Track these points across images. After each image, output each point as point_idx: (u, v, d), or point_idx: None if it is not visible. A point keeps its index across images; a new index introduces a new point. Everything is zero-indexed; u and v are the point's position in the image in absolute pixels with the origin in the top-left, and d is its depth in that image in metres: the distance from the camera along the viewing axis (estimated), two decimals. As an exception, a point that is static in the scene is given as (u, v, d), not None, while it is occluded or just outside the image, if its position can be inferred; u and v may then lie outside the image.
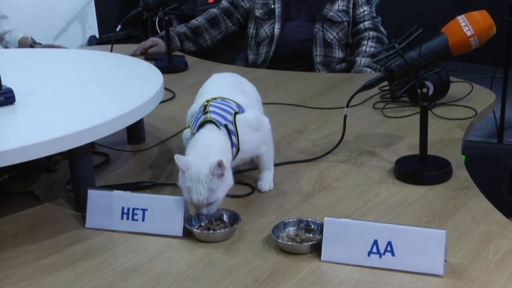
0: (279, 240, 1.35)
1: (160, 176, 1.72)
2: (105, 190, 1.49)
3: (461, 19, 1.53)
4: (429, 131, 1.61)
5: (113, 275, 1.29)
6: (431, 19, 2.85)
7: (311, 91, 2.35)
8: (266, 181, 1.60)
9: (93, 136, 1.48)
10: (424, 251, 1.24)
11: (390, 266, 1.26)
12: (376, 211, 1.48)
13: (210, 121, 1.47)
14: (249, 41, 2.92)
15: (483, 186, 1.57)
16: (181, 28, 2.96)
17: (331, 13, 2.75)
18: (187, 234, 1.41)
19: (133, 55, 2.77)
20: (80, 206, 1.53)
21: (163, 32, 2.80)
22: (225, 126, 1.47)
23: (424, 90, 1.56)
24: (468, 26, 1.52)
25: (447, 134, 1.88)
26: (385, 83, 1.65)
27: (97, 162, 1.80)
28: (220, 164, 1.36)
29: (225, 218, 1.44)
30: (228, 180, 1.40)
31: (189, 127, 1.54)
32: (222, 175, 1.38)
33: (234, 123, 1.49)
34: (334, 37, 2.75)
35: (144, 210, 1.44)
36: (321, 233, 1.32)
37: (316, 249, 1.32)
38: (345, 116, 1.68)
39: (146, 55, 2.84)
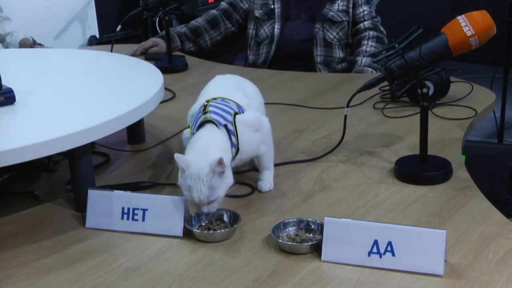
0: (279, 240, 1.35)
1: (160, 176, 1.72)
2: (105, 190, 1.49)
3: (461, 19, 1.53)
4: (429, 131, 1.61)
5: (113, 275, 1.29)
6: (431, 19, 2.84)
7: (311, 91, 2.35)
8: (266, 181, 1.60)
9: (93, 136, 1.48)
10: (424, 251, 1.24)
11: (390, 266, 1.26)
12: (376, 211, 1.48)
13: (209, 121, 1.47)
14: (248, 42, 2.92)
15: (483, 186, 1.57)
16: (181, 29, 2.96)
17: (331, 13, 2.75)
18: (187, 234, 1.41)
19: (133, 55, 2.77)
20: (80, 206, 1.53)
21: (163, 32, 2.80)
22: (225, 126, 1.48)
23: (424, 90, 1.56)
24: (468, 26, 1.52)
25: (447, 134, 1.88)
26: (385, 83, 1.65)
27: (97, 162, 1.80)
28: (220, 162, 1.36)
29: (225, 218, 1.44)
30: (228, 178, 1.40)
31: (189, 127, 1.54)
32: (222, 173, 1.38)
33: (234, 123, 1.49)
34: (335, 37, 2.76)
35: (144, 210, 1.44)
36: (321, 233, 1.32)
37: (316, 249, 1.32)
38: (345, 116, 1.68)
39: (146, 55, 2.84)
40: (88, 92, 1.76)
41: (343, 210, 1.49)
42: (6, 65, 1.96)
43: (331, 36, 2.75)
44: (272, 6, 2.82)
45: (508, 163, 2.38)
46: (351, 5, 2.77)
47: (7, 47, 3.29)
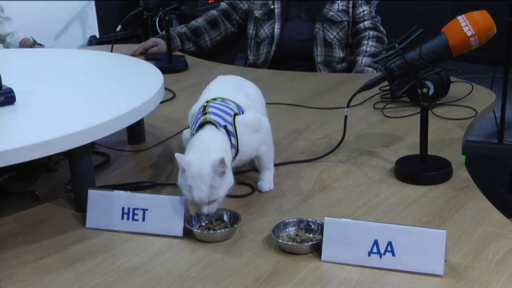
0: (280, 240, 1.35)
1: (160, 176, 1.72)
2: (105, 190, 1.49)
3: (461, 19, 1.53)
4: (429, 131, 1.61)
5: (113, 275, 1.29)
6: (431, 19, 2.85)
7: (311, 91, 2.35)
8: (266, 181, 1.60)
9: (93, 136, 1.48)
10: (424, 251, 1.24)
11: (390, 266, 1.26)
12: (376, 211, 1.48)
13: (209, 122, 1.47)
14: (248, 42, 2.92)
15: (483, 186, 1.57)
16: (182, 29, 2.96)
17: (331, 13, 2.75)
18: (187, 234, 1.41)
19: (133, 55, 2.77)
20: (80, 206, 1.53)
21: (163, 32, 2.80)
22: (225, 127, 1.47)
23: (424, 90, 1.56)
24: (468, 26, 1.52)
25: (447, 134, 1.88)
26: (386, 83, 1.65)
27: (97, 162, 1.80)
28: (222, 162, 1.36)
29: (225, 218, 1.44)
30: (229, 178, 1.40)
31: (189, 127, 1.54)
32: (223, 173, 1.38)
33: (234, 124, 1.49)
34: (335, 37, 2.76)
35: (144, 210, 1.44)
36: (321, 233, 1.32)
37: (316, 249, 1.32)
38: (346, 117, 1.68)
39: (147, 55, 2.84)
40: (88, 92, 1.76)
41: (343, 210, 1.49)
42: (6, 65, 1.96)
43: (331, 36, 2.75)
44: (272, 6, 2.82)
45: (508, 163, 2.38)
46: (351, 5, 2.78)
47: (7, 47, 3.30)
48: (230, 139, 1.47)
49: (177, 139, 1.88)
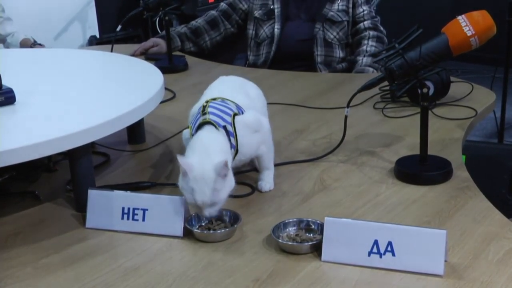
0: (280, 240, 1.35)
1: (160, 176, 1.72)
2: (105, 190, 1.49)
3: (462, 19, 1.53)
4: (429, 131, 1.61)
5: (113, 275, 1.29)
6: (431, 19, 2.85)
7: (312, 91, 2.35)
8: (266, 181, 1.60)
9: (93, 136, 1.48)
10: (425, 251, 1.24)
11: (390, 266, 1.26)
12: (376, 211, 1.48)
13: (208, 122, 1.47)
14: (248, 42, 2.92)
15: (483, 186, 1.57)
16: (182, 29, 2.96)
17: (331, 13, 2.75)
18: (188, 234, 1.41)
19: (133, 55, 2.77)
20: (80, 206, 1.53)
21: (163, 32, 2.80)
22: (224, 127, 1.47)
23: (425, 90, 1.56)
24: (468, 26, 1.52)
25: (447, 134, 1.88)
26: (386, 83, 1.65)
27: (97, 162, 1.80)
28: (225, 164, 1.36)
29: (225, 218, 1.44)
30: (231, 180, 1.41)
31: (189, 127, 1.54)
32: (225, 175, 1.38)
33: (233, 124, 1.49)
34: (335, 36, 2.76)
35: (144, 210, 1.44)
36: (321, 233, 1.32)
37: (317, 249, 1.32)
38: (346, 117, 1.67)
39: (147, 55, 2.84)
40: (88, 92, 1.76)
41: (343, 210, 1.49)
42: (6, 65, 1.96)
43: (331, 36, 2.75)
44: (271, 6, 2.82)
45: (508, 163, 2.38)
46: (350, 5, 2.78)
47: (8, 47, 3.30)
48: (229, 140, 1.47)
49: (177, 139, 1.88)
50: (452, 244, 1.31)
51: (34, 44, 3.23)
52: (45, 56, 2.27)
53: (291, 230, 1.39)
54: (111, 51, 2.60)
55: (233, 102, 1.55)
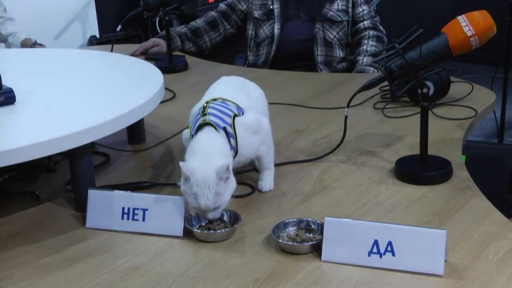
0: (280, 240, 1.35)
1: (160, 176, 1.72)
2: (106, 190, 1.49)
3: (462, 19, 1.53)
4: (429, 131, 1.61)
5: (113, 275, 1.29)
6: (431, 19, 2.85)
7: (312, 91, 2.35)
8: (267, 181, 1.60)
9: (93, 136, 1.48)
10: (425, 251, 1.24)
11: (391, 266, 1.26)
12: (376, 211, 1.48)
13: (208, 124, 1.46)
14: (248, 43, 2.92)
15: (483, 186, 1.57)
16: (182, 29, 2.96)
17: (331, 13, 2.75)
18: (188, 234, 1.41)
19: (133, 55, 2.77)
20: (80, 206, 1.53)
21: (164, 32, 2.80)
22: (224, 128, 1.47)
23: (425, 90, 1.56)
24: (468, 26, 1.52)
25: (447, 134, 1.88)
26: (386, 83, 1.65)
27: (97, 162, 1.80)
28: (227, 168, 1.36)
29: (225, 218, 1.44)
30: (233, 183, 1.41)
31: (189, 127, 1.54)
32: (227, 178, 1.38)
33: (233, 125, 1.49)
34: (335, 36, 2.76)
35: (144, 210, 1.44)
36: (321, 233, 1.32)
37: (317, 249, 1.32)
38: (346, 117, 1.67)
39: (147, 55, 2.84)
40: (88, 92, 1.76)
41: (343, 210, 1.49)
42: (6, 65, 1.96)
43: (331, 36, 2.75)
44: (271, 7, 2.82)
45: (508, 163, 2.38)
46: (350, 5, 2.78)
47: (9, 47, 3.30)
48: (229, 141, 1.47)
49: (177, 139, 1.88)
50: (452, 244, 1.31)
51: (34, 44, 3.23)
52: (45, 56, 2.27)
53: (291, 230, 1.39)
54: (111, 51, 2.60)
55: (233, 102, 1.55)
